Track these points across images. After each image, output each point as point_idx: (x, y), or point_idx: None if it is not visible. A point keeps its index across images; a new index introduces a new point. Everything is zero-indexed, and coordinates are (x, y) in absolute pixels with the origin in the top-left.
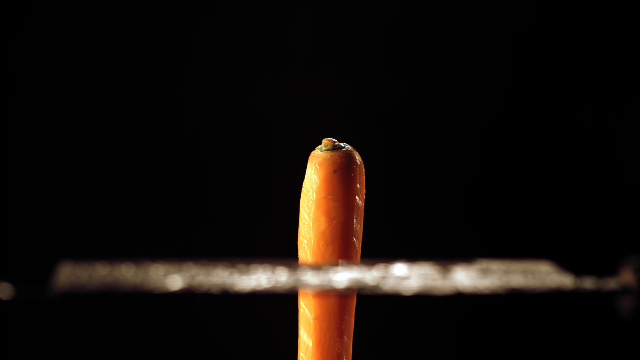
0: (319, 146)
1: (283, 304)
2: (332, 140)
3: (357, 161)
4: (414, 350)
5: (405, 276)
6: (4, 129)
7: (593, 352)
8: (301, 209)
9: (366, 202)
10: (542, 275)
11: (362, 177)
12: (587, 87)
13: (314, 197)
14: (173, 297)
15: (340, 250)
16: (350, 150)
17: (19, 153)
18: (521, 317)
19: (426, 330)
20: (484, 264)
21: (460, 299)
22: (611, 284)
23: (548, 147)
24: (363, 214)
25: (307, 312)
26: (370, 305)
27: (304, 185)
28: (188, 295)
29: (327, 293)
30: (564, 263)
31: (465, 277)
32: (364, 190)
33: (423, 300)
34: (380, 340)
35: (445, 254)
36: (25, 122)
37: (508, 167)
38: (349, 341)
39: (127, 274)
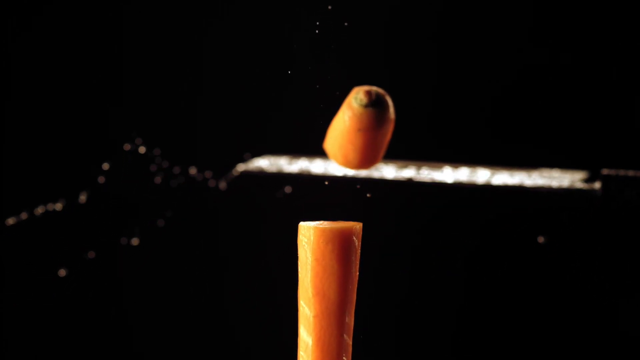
0: (356, 95)
1: (283, 302)
2: (368, 95)
3: (388, 119)
4: (412, 346)
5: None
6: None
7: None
8: (326, 145)
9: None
10: (549, 177)
11: (389, 132)
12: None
13: (338, 140)
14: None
15: None
16: (382, 111)
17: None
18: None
19: (425, 326)
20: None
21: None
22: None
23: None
24: (382, 156)
25: (307, 310)
26: (369, 304)
27: (333, 122)
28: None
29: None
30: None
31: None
32: (389, 137)
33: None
34: (380, 339)
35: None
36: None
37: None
38: (348, 339)
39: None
